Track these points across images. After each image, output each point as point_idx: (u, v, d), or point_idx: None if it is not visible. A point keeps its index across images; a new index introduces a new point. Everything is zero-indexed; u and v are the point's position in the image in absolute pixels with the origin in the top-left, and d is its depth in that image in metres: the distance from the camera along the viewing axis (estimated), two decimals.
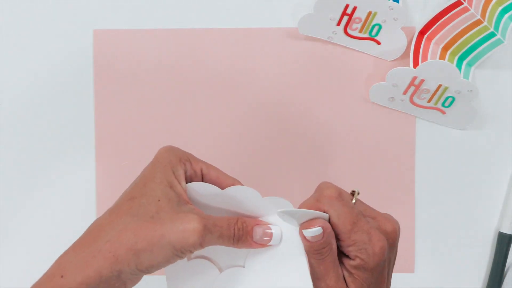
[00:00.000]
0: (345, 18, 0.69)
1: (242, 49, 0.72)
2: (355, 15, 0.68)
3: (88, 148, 0.72)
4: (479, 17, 0.68)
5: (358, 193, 0.52)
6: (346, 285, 0.50)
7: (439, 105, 0.70)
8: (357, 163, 0.72)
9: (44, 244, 0.73)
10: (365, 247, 0.49)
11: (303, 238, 0.50)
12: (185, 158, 0.50)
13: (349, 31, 0.70)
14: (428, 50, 0.70)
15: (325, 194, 0.51)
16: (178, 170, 0.49)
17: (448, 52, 0.71)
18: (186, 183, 0.50)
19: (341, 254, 0.51)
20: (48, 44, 0.72)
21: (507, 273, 0.73)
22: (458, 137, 0.73)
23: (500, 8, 0.68)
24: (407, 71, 0.68)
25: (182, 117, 0.72)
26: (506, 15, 0.69)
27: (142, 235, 0.45)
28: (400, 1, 0.69)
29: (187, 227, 0.45)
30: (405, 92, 0.70)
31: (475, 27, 0.69)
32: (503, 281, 0.73)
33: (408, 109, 0.71)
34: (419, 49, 0.70)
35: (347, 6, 0.68)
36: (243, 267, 0.51)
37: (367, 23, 0.69)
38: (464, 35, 0.70)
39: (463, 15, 0.68)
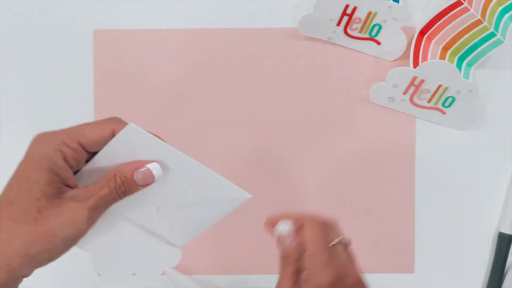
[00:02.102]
0: (345, 18, 0.69)
1: (242, 49, 0.72)
2: (355, 15, 0.68)
3: None
4: (479, 17, 0.68)
5: (339, 241, 0.53)
6: None
7: (439, 105, 0.71)
8: (357, 163, 0.72)
9: None
10: (315, 262, 0.51)
11: (279, 240, 0.52)
12: (58, 144, 0.47)
13: (349, 31, 0.70)
14: (428, 50, 0.70)
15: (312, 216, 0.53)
16: (56, 161, 0.47)
17: (448, 52, 0.71)
18: (73, 163, 0.48)
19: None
20: (48, 44, 0.72)
21: (507, 273, 0.73)
22: (458, 137, 0.73)
23: (500, 8, 0.68)
24: (407, 71, 0.68)
25: (182, 117, 0.72)
26: (506, 15, 0.69)
27: (32, 239, 0.45)
28: (400, 1, 0.69)
29: (74, 217, 0.46)
30: (405, 92, 0.70)
31: (475, 27, 0.69)
32: (503, 281, 0.73)
33: (408, 109, 0.71)
34: (419, 49, 0.70)
35: (347, 6, 0.68)
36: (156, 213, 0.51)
37: (367, 23, 0.69)
38: (464, 35, 0.70)
39: (463, 15, 0.68)
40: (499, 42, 0.68)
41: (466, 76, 0.70)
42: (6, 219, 0.45)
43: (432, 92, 0.69)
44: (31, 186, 0.46)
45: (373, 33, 0.70)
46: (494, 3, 0.68)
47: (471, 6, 0.68)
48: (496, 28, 0.68)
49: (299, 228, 0.53)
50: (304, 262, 0.52)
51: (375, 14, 0.68)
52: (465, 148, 0.73)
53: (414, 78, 0.68)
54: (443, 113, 0.71)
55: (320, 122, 0.72)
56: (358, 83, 0.72)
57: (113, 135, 0.48)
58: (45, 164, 0.46)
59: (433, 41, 0.71)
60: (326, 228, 0.53)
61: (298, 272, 0.52)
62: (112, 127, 0.48)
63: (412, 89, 0.69)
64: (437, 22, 0.70)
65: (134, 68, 0.72)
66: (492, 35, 0.68)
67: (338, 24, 0.69)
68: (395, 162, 0.73)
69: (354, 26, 0.69)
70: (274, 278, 0.73)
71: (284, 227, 0.53)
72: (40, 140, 0.48)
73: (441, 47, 0.71)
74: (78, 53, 0.72)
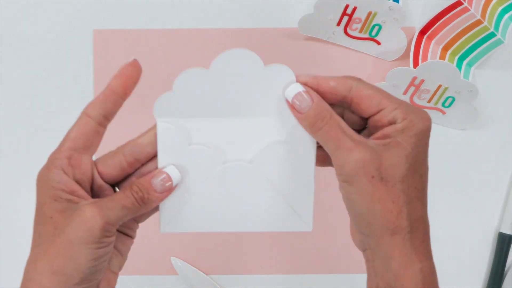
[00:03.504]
0: (345, 18, 0.69)
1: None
2: (355, 15, 0.68)
3: None
4: (479, 17, 0.68)
5: None
6: (378, 153, 0.44)
7: (439, 105, 0.71)
8: None
9: None
10: (413, 110, 0.45)
11: (292, 109, 0.47)
12: (51, 161, 0.48)
13: (349, 31, 0.70)
14: (428, 50, 0.70)
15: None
16: (53, 177, 0.47)
17: (448, 52, 0.71)
18: (73, 171, 0.48)
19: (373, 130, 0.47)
20: (48, 44, 0.72)
21: (507, 273, 0.73)
22: (458, 137, 0.73)
23: (500, 8, 0.68)
24: (407, 71, 0.68)
25: None
26: (506, 15, 0.69)
27: (53, 254, 0.45)
28: (400, 1, 0.69)
29: (84, 219, 0.45)
30: (405, 93, 0.70)
31: (475, 27, 0.69)
32: (503, 281, 0.73)
33: None
34: (419, 49, 0.70)
35: (347, 6, 0.68)
36: (250, 163, 0.50)
37: (367, 23, 0.69)
38: (464, 35, 0.70)
39: (463, 15, 0.69)
40: (499, 42, 0.68)
41: (466, 76, 0.70)
42: (33, 248, 0.46)
43: (432, 92, 0.69)
44: (41, 209, 0.46)
45: (373, 33, 0.70)
46: (494, 3, 0.68)
47: (471, 6, 0.68)
48: (496, 28, 0.68)
49: (347, 94, 0.46)
50: (375, 123, 0.45)
51: (375, 14, 0.68)
52: (465, 148, 0.73)
53: (414, 78, 0.68)
54: (443, 113, 0.71)
55: None
56: None
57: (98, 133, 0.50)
58: (45, 184, 0.47)
59: (433, 41, 0.71)
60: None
61: (343, 129, 0.45)
62: (90, 125, 0.49)
63: (412, 89, 0.69)
64: (437, 22, 0.70)
65: None
66: (492, 35, 0.68)
67: (338, 24, 0.69)
68: None
69: (354, 26, 0.69)
70: (274, 278, 0.74)
71: (294, 87, 0.47)
72: (41, 170, 0.48)
73: (441, 47, 0.71)
74: (78, 53, 0.72)
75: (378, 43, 0.71)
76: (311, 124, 0.46)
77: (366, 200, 0.44)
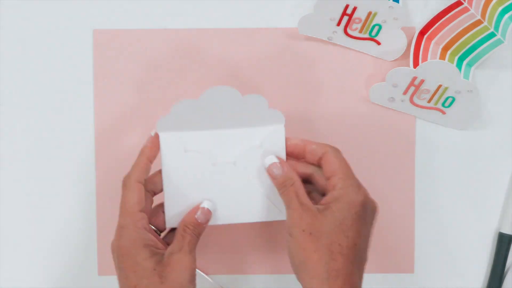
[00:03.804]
0: (345, 18, 0.69)
1: (242, 49, 0.72)
2: (355, 15, 0.68)
3: (88, 147, 0.72)
4: (479, 17, 0.68)
5: None
6: (316, 216, 0.58)
7: (439, 105, 0.70)
8: (357, 163, 0.72)
9: (44, 244, 0.73)
10: (352, 184, 0.59)
11: (268, 173, 0.62)
12: (143, 225, 0.61)
13: (349, 31, 0.70)
14: (428, 50, 0.70)
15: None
16: (148, 235, 0.61)
17: (448, 52, 0.71)
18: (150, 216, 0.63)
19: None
20: (48, 44, 0.72)
21: (507, 274, 0.73)
22: (458, 137, 0.73)
23: (501, 8, 0.68)
24: (407, 71, 0.68)
25: None
26: (506, 15, 0.69)
27: None
28: (400, 1, 0.69)
29: (185, 265, 0.60)
30: (405, 92, 0.70)
31: (475, 27, 0.69)
32: (503, 282, 0.73)
33: (408, 109, 0.71)
34: (419, 49, 0.70)
35: (347, 6, 0.68)
36: (234, 164, 0.63)
37: (367, 23, 0.69)
38: (464, 35, 0.70)
39: (463, 15, 0.68)
40: (499, 42, 0.68)
41: (466, 76, 0.70)
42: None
43: (432, 92, 0.69)
44: (138, 266, 0.58)
45: (373, 33, 0.70)
46: (494, 3, 0.68)
47: (471, 6, 0.68)
48: (496, 28, 0.68)
49: (321, 156, 0.61)
50: (327, 184, 0.60)
51: (375, 14, 0.68)
52: (465, 148, 0.73)
53: (414, 78, 0.68)
54: (443, 113, 0.71)
55: (320, 122, 0.72)
56: (358, 83, 0.72)
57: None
58: (140, 243, 0.59)
59: (433, 41, 0.71)
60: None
61: (299, 194, 0.59)
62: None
63: (412, 89, 0.69)
64: (437, 22, 0.70)
65: (134, 68, 0.72)
66: (492, 35, 0.68)
67: (338, 24, 0.69)
68: (395, 162, 0.73)
69: (354, 26, 0.69)
70: (274, 278, 0.74)
71: (270, 158, 0.62)
72: (125, 232, 0.60)
73: (441, 47, 0.71)
74: (78, 53, 0.72)
75: (378, 43, 0.71)
76: (278, 185, 0.61)
77: (297, 248, 0.57)
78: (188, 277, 0.59)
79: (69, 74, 0.72)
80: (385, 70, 0.70)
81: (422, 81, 0.68)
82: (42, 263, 0.73)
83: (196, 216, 0.62)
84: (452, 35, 0.70)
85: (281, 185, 0.61)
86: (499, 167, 0.73)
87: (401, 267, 0.73)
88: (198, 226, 0.61)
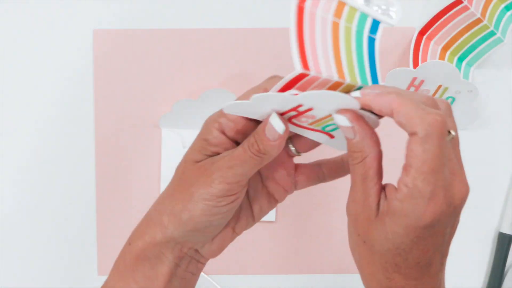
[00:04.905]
0: None
1: (242, 49, 0.72)
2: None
3: (88, 148, 0.72)
4: (479, 15, 0.68)
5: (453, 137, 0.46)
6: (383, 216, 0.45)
7: None
8: None
9: (44, 244, 0.73)
10: (421, 192, 0.45)
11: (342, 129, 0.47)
12: (217, 115, 0.49)
13: None
14: (427, 51, 0.70)
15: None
16: (211, 131, 0.48)
17: (448, 52, 0.71)
18: (231, 134, 0.49)
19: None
20: (48, 44, 0.72)
21: (507, 273, 0.73)
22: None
23: (503, 6, 0.68)
24: (407, 72, 0.68)
25: None
26: (508, 13, 0.68)
27: (176, 199, 0.48)
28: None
29: (208, 180, 0.47)
30: None
31: (475, 26, 0.69)
32: (503, 281, 0.73)
33: None
34: (419, 49, 0.70)
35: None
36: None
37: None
38: (463, 34, 0.69)
39: (463, 14, 0.68)
40: (499, 41, 0.68)
41: (466, 76, 0.70)
42: (170, 182, 0.50)
43: (432, 92, 0.69)
44: (187, 152, 0.49)
45: None
46: (496, 1, 0.68)
47: (470, 5, 0.68)
48: (496, 27, 0.68)
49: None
50: (400, 178, 0.46)
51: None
52: (465, 148, 0.73)
53: (414, 79, 0.68)
54: None
55: None
56: None
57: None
58: (201, 135, 0.49)
59: (432, 41, 0.71)
60: (446, 127, 0.44)
61: (367, 179, 0.47)
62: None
63: (412, 89, 0.69)
64: (437, 22, 0.70)
65: (134, 68, 0.72)
66: (492, 33, 0.68)
67: None
68: (395, 162, 0.73)
69: None
70: (274, 278, 0.74)
71: (343, 119, 0.46)
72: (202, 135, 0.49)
73: (440, 47, 0.71)
74: (78, 53, 0.72)
75: None
76: (348, 154, 0.48)
77: (353, 245, 0.49)
78: (205, 196, 0.47)
79: (69, 74, 0.72)
80: (385, 71, 0.70)
81: (422, 82, 0.68)
82: (42, 263, 0.73)
83: (265, 129, 0.46)
84: (452, 35, 0.70)
85: (350, 156, 0.47)
86: (499, 167, 0.73)
87: None
88: (261, 140, 0.47)
